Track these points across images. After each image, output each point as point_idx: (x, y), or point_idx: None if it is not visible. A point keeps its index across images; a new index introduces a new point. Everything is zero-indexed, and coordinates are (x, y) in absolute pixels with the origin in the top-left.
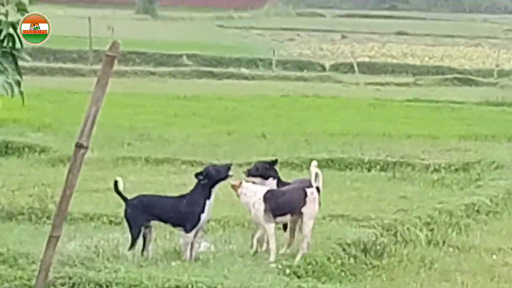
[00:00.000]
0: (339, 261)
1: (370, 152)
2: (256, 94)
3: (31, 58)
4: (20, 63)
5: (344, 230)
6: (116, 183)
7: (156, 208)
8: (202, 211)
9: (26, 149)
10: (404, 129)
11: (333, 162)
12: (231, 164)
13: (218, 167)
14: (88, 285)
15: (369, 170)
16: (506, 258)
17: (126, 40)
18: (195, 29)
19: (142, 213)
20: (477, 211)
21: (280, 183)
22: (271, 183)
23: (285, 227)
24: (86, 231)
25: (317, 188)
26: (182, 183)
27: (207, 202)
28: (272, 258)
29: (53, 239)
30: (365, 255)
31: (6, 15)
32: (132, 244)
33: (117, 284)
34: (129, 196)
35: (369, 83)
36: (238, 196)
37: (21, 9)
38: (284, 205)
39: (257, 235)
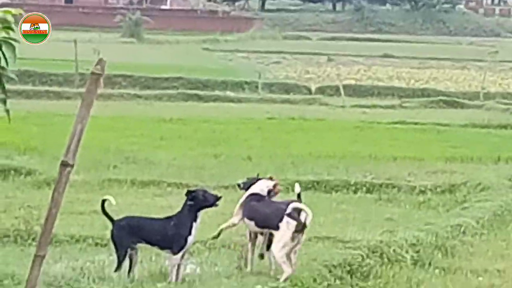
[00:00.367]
0: (325, 283)
1: (356, 174)
2: (242, 116)
3: (17, 78)
4: (6, 86)
5: (330, 252)
6: (103, 202)
7: (143, 230)
8: (189, 233)
9: (12, 172)
10: (390, 151)
11: (319, 184)
12: (220, 197)
13: (208, 193)
14: None
15: (355, 192)
16: (492, 279)
17: (112, 63)
18: (181, 52)
19: (128, 234)
20: (463, 232)
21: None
22: None
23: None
24: (72, 253)
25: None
26: (168, 205)
27: (194, 224)
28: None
29: (38, 258)
30: (351, 276)
31: None
32: (119, 266)
33: None
34: (115, 218)
35: (355, 106)
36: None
37: (6, 27)
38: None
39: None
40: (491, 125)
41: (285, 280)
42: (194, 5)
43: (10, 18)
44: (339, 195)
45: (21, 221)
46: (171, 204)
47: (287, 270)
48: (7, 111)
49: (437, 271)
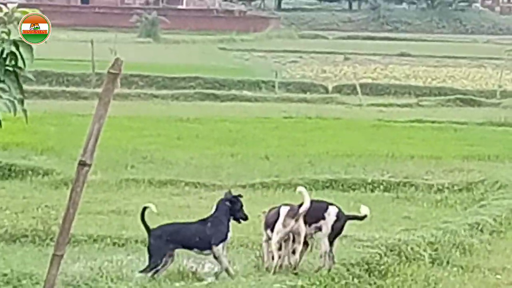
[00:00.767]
0: (343, 282)
1: (373, 172)
2: (259, 116)
3: (34, 79)
4: (23, 86)
5: (348, 251)
6: (144, 210)
7: (180, 235)
8: (228, 230)
9: (30, 172)
10: (407, 150)
11: (337, 183)
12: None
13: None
14: None
15: (372, 191)
16: (511, 277)
17: (129, 63)
18: (198, 52)
19: (166, 242)
20: (481, 230)
21: None
22: None
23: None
24: (90, 252)
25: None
26: (186, 204)
27: (229, 224)
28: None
29: (56, 258)
30: (369, 275)
31: (8, 33)
32: (148, 270)
33: None
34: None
35: (372, 104)
36: None
37: None
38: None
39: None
40: (508, 123)
41: (268, 268)
42: (210, 5)
43: None
44: (357, 194)
45: (39, 221)
46: (188, 203)
47: (274, 260)
48: (25, 111)
49: (455, 269)
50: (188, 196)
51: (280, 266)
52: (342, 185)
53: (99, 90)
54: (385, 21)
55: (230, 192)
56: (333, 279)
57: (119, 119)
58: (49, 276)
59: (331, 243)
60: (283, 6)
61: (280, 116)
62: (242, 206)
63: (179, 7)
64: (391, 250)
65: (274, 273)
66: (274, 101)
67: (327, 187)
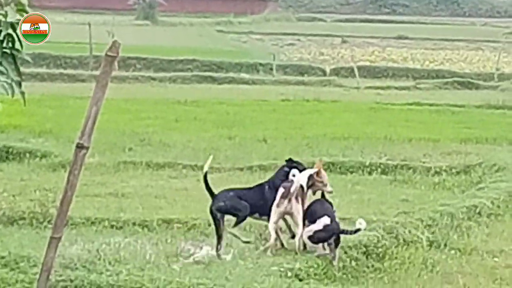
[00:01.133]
0: (340, 264)
1: (371, 155)
2: (256, 98)
3: (31, 61)
4: (20, 69)
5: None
6: (206, 175)
7: (243, 200)
8: None
9: (27, 155)
10: (405, 133)
11: (334, 166)
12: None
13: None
14: (90, 287)
15: (370, 174)
16: (508, 260)
17: (126, 46)
18: (195, 35)
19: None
20: (479, 213)
21: None
22: None
23: None
24: (88, 235)
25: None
26: (183, 187)
27: None
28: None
29: (54, 240)
30: (367, 257)
31: (5, 15)
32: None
33: (119, 286)
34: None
35: (370, 87)
36: None
37: (20, 9)
38: None
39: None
40: (506, 106)
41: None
42: None
43: (24, 0)
44: (354, 176)
45: (36, 204)
46: (186, 186)
47: (270, 240)
48: (22, 93)
49: (452, 252)
50: (186, 179)
51: (282, 246)
52: (340, 168)
53: (97, 72)
54: (383, 4)
55: (291, 159)
56: (331, 261)
57: (117, 102)
58: (47, 258)
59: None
60: None
61: (277, 98)
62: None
63: None
64: (388, 233)
65: (272, 253)
66: (271, 83)
67: (325, 169)
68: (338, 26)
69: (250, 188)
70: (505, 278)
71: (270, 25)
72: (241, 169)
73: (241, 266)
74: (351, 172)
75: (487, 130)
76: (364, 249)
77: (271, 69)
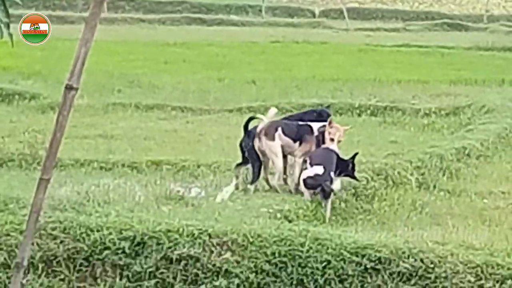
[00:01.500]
0: None
1: (360, 97)
2: (246, 40)
3: (20, 2)
4: (9, 10)
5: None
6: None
7: None
8: None
9: (16, 96)
10: (394, 74)
11: (324, 107)
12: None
13: None
14: (79, 229)
15: (359, 115)
16: (497, 201)
17: None
18: None
19: None
20: (468, 155)
21: None
22: None
23: None
24: (77, 177)
25: None
26: (173, 129)
27: None
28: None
29: (43, 182)
30: (356, 199)
31: None
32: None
33: (108, 228)
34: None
35: (359, 29)
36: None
37: None
38: None
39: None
40: (495, 48)
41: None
42: None
43: None
44: (344, 118)
45: (25, 145)
46: (175, 127)
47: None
48: (11, 35)
49: (441, 193)
50: (175, 120)
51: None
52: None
53: (86, 14)
54: None
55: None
56: (320, 203)
57: (106, 44)
58: (36, 200)
59: None
60: None
61: (267, 40)
62: None
63: None
64: (378, 174)
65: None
66: (260, 25)
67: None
68: None
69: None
70: (494, 220)
71: None
72: (230, 111)
73: (230, 207)
74: (340, 114)
75: (476, 71)
76: (353, 190)
77: (260, 10)
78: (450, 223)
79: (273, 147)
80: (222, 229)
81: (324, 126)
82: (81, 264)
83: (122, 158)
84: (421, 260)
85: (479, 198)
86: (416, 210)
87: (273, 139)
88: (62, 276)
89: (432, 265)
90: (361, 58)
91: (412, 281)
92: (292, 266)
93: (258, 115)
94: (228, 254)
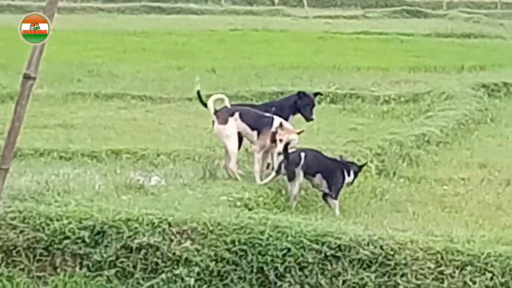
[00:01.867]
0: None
1: (320, 84)
2: (205, 28)
3: None
4: None
5: None
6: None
7: None
8: None
9: None
10: (354, 62)
11: (283, 95)
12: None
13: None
14: (39, 218)
15: (319, 103)
16: (457, 188)
17: None
18: None
19: None
20: (428, 141)
21: None
22: None
23: None
24: (37, 166)
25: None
26: (132, 117)
27: None
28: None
29: (2, 172)
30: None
31: None
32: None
33: (67, 217)
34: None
35: (318, 16)
36: None
37: None
38: None
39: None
40: (455, 34)
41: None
42: None
43: None
44: None
45: None
46: (135, 116)
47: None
48: None
49: (401, 180)
50: (135, 109)
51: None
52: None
53: (44, 4)
54: None
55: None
56: (280, 191)
57: (65, 33)
58: None
59: None
60: None
61: (226, 28)
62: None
63: None
64: None
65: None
66: (220, 13)
67: (274, 99)
68: None
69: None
70: (454, 206)
71: None
72: (190, 99)
73: (191, 196)
74: None
75: (436, 58)
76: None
77: None
78: (410, 210)
79: (223, 130)
80: (182, 217)
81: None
82: (41, 254)
83: (81, 147)
84: (381, 247)
85: (439, 184)
86: (376, 197)
87: (225, 122)
88: (22, 266)
89: (392, 252)
90: (321, 46)
91: (372, 268)
92: (252, 254)
93: (220, 95)
94: (188, 243)
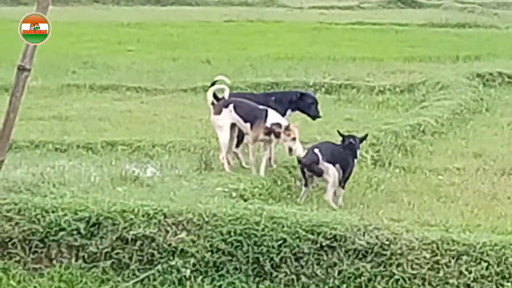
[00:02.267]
0: (285, 184)
1: (315, 75)
2: (200, 20)
3: None
4: None
5: None
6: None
7: None
8: None
9: None
10: (349, 52)
11: (278, 86)
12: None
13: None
14: (34, 210)
15: (314, 93)
16: (453, 178)
17: None
18: None
19: None
20: (423, 131)
21: None
22: None
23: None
24: (32, 158)
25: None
26: (127, 109)
27: None
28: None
29: None
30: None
31: None
32: None
33: (63, 209)
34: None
35: (313, 7)
36: None
37: None
38: None
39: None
40: (449, 24)
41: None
42: None
43: None
44: None
45: None
46: (130, 108)
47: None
48: None
49: (397, 170)
50: (130, 101)
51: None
52: (284, 88)
53: None
54: None
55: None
56: (275, 181)
57: (60, 25)
58: None
59: None
60: None
61: (221, 19)
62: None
63: None
64: None
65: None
66: (215, 4)
67: (269, 90)
68: None
69: None
70: (449, 196)
71: None
72: (185, 91)
73: (186, 187)
74: None
75: (431, 48)
76: None
77: None
78: (405, 200)
79: (216, 120)
80: (177, 208)
81: (278, 124)
82: (36, 246)
83: (77, 139)
84: (377, 237)
85: (434, 174)
86: (372, 188)
87: (219, 113)
88: (17, 258)
89: (387, 242)
90: (315, 36)
91: (368, 258)
92: (248, 244)
93: (221, 86)
94: (183, 234)
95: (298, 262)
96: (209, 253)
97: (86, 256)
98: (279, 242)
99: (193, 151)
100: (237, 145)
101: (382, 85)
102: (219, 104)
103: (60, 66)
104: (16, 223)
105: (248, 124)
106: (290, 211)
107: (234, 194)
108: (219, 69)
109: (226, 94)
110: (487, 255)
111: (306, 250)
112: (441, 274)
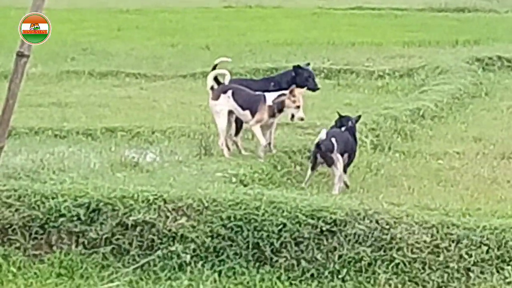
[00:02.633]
0: (285, 169)
1: (314, 60)
2: (199, 5)
3: None
4: None
5: (289, 138)
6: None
7: None
8: None
9: None
10: (348, 37)
11: (278, 72)
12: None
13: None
14: (34, 197)
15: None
16: (452, 162)
17: None
18: None
19: None
20: (422, 116)
21: None
22: None
23: None
24: (31, 145)
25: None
26: (127, 95)
27: None
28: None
29: None
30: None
31: None
32: None
33: (62, 195)
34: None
35: None
36: None
37: None
38: None
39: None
40: (448, 9)
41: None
42: None
43: None
44: None
45: None
46: (129, 94)
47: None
48: None
49: (397, 155)
50: (129, 87)
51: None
52: None
53: None
54: None
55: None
56: (275, 166)
57: (58, 12)
58: None
59: None
60: None
61: (220, 5)
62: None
63: None
64: None
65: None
66: None
67: (268, 75)
68: None
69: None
70: (449, 180)
71: None
72: (184, 77)
73: (186, 172)
74: None
75: (430, 33)
76: (308, 153)
77: None
78: (405, 184)
79: (214, 106)
80: (177, 194)
81: (280, 96)
82: (36, 232)
83: (76, 125)
84: (377, 222)
85: (434, 159)
86: (372, 172)
87: (217, 98)
88: (17, 244)
89: (387, 226)
90: (315, 22)
91: (368, 243)
92: (248, 230)
93: (221, 70)
94: (183, 219)
95: (298, 246)
96: (209, 238)
97: (86, 242)
98: (279, 227)
99: (192, 137)
100: (236, 134)
101: (382, 69)
102: (218, 89)
103: (59, 52)
104: (16, 210)
105: (247, 111)
106: (290, 196)
107: (234, 180)
108: (218, 55)
109: (226, 80)
110: (487, 238)
111: (306, 235)
112: (441, 258)
